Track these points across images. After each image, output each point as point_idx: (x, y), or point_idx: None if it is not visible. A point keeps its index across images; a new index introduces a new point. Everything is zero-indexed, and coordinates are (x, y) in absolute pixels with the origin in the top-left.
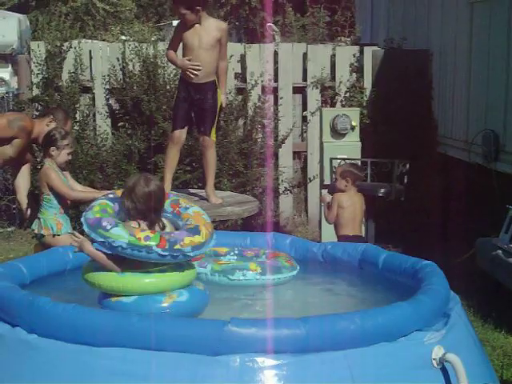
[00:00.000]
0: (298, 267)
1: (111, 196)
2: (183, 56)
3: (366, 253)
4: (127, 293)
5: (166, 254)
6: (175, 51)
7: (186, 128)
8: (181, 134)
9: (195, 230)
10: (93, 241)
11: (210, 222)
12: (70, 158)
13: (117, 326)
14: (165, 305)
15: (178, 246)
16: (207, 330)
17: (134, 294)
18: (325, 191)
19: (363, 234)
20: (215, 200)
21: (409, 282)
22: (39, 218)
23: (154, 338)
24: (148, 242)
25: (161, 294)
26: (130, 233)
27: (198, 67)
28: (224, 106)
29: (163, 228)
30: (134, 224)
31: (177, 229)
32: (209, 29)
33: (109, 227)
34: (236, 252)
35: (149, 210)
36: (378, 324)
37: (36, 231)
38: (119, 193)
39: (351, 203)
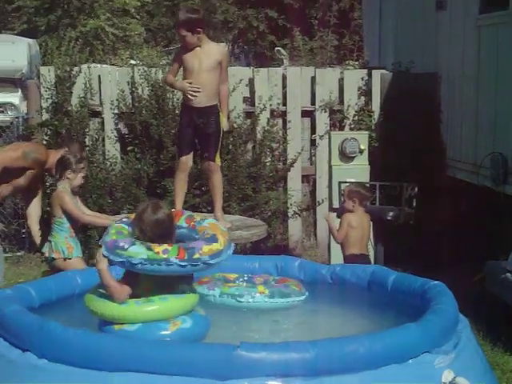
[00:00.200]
0: (307, 293)
1: (126, 220)
2: (183, 78)
3: (375, 274)
4: (129, 321)
5: (186, 264)
6: (174, 76)
7: (192, 153)
8: (187, 160)
9: (213, 239)
10: (111, 263)
11: (227, 231)
12: (83, 181)
13: (126, 351)
14: (169, 332)
15: (197, 256)
16: (217, 355)
17: (136, 322)
18: (333, 214)
19: (369, 254)
20: (224, 224)
21: (418, 303)
22: (50, 242)
23: (163, 363)
24: (167, 255)
25: (165, 321)
26: (147, 248)
27: (197, 89)
28: (225, 130)
29: None
30: None
31: None
32: (209, 52)
33: (126, 246)
34: (245, 278)
35: (157, 237)
36: (386, 346)
37: (46, 254)
38: (132, 217)
39: (360, 223)
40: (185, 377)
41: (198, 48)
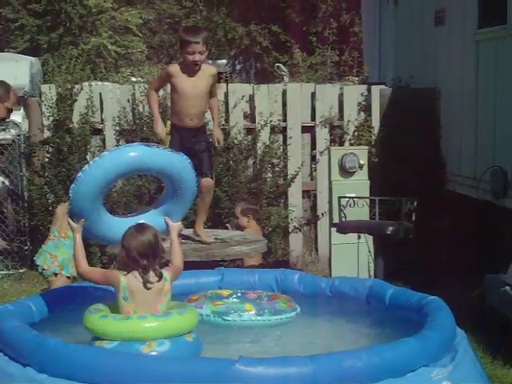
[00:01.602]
0: (299, 309)
1: None
2: (175, 101)
3: (373, 288)
4: (107, 337)
5: None
6: (157, 91)
7: None
8: None
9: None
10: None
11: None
12: None
13: (126, 366)
14: (142, 354)
15: None
16: (215, 369)
17: (115, 339)
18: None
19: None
20: (207, 238)
21: (415, 317)
22: (55, 256)
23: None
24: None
25: (142, 342)
26: None
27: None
28: (221, 140)
29: (160, 277)
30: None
31: None
32: (203, 74)
33: None
34: (239, 295)
35: (141, 257)
36: (384, 360)
37: (46, 267)
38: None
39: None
40: None
41: (196, 70)
